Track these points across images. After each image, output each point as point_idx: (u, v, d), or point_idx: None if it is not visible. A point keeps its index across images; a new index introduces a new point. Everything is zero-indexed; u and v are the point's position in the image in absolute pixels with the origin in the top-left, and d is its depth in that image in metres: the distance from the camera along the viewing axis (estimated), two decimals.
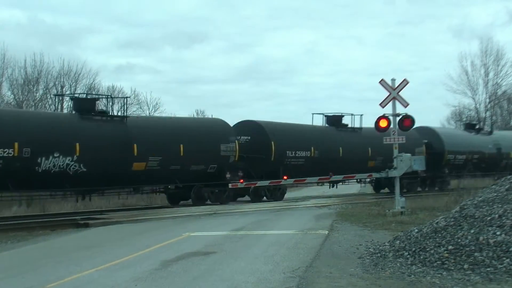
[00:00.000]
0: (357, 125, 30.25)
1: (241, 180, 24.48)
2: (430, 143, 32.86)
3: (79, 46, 69.13)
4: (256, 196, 25.98)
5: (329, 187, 31.05)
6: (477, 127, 38.55)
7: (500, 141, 37.02)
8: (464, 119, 57.60)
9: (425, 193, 28.34)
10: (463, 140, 35.33)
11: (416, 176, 29.95)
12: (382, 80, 18.99)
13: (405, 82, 18.82)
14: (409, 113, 19.17)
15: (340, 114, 30.32)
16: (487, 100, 55.17)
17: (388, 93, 18.83)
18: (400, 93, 18.80)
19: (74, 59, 54.05)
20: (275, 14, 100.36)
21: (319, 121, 30.34)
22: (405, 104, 18.89)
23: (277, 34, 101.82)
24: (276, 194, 26.63)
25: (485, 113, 55.68)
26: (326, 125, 29.88)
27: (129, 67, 75.83)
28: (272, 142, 26.02)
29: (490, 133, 38.07)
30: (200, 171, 23.91)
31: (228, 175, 24.54)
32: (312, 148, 27.63)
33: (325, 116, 30.03)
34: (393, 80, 18.95)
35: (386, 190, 31.66)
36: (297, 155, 27.10)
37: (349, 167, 26.71)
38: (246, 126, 26.90)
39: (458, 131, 39.85)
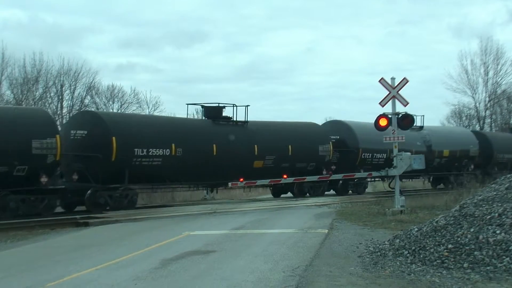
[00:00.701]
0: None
1: (241, 179, 24.52)
2: (342, 139, 29.29)
3: (80, 45, 69.48)
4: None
5: None
6: None
7: (432, 138, 32.86)
8: (464, 118, 57.80)
9: (424, 192, 28.38)
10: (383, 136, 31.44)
11: (324, 180, 27.33)
12: (382, 79, 18.99)
13: (404, 81, 18.82)
14: (408, 112, 19.20)
15: (219, 105, 25.85)
16: (487, 99, 55.24)
17: (387, 92, 18.83)
18: (399, 92, 18.80)
19: (74, 58, 54.14)
20: (275, 14, 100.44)
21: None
22: (405, 103, 18.89)
23: (277, 33, 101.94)
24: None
25: (485, 112, 55.77)
26: (204, 118, 26.19)
27: (130, 66, 75.98)
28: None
29: (421, 128, 32.81)
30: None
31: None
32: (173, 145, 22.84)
33: (203, 107, 26.21)
34: (392, 79, 18.95)
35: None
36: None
37: (227, 170, 24.42)
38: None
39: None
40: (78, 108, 39.86)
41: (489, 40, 55.70)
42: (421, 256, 9.18)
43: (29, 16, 73.58)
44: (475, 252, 8.67)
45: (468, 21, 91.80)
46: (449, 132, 37.73)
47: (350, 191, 29.31)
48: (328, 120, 34.13)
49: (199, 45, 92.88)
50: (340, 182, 28.28)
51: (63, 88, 40.52)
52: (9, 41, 61.79)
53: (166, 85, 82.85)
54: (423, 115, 33.47)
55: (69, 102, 40.99)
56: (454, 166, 34.24)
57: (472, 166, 34.93)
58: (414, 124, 30.67)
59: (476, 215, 9.57)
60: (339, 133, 29.39)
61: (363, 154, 29.09)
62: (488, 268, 8.30)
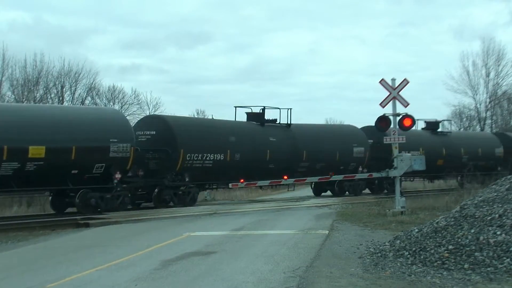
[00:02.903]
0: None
1: (242, 180, 24.48)
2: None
3: (83, 46, 69.62)
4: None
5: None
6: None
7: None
8: (464, 118, 57.86)
9: (425, 193, 28.35)
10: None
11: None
12: (382, 79, 18.99)
13: (405, 82, 18.81)
14: (409, 113, 19.20)
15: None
16: (488, 100, 55.22)
17: (388, 93, 18.83)
18: (400, 93, 18.79)
19: (75, 59, 53.91)
20: (276, 15, 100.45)
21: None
22: (405, 104, 18.88)
23: (278, 34, 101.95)
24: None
25: (486, 113, 55.75)
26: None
27: (132, 68, 76.05)
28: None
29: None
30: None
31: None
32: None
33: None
34: (393, 80, 18.94)
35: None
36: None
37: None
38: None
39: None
40: None
41: (492, 41, 55.71)
42: (422, 257, 9.17)
43: (33, 17, 73.91)
44: (476, 253, 8.67)
45: (470, 23, 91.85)
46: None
47: (346, 192, 29.50)
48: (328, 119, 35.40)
49: (201, 46, 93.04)
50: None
51: (64, 89, 40.56)
52: (14, 43, 62.14)
53: (167, 86, 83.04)
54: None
55: (70, 103, 41.00)
56: None
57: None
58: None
59: (476, 216, 9.57)
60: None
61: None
62: (489, 269, 8.29)
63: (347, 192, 29.29)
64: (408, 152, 23.31)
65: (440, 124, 35.65)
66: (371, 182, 29.80)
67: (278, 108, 27.95)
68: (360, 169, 29.18)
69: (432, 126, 34.85)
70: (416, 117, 19.88)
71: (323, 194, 30.49)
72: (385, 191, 29.99)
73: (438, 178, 36.18)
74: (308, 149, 27.84)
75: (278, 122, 27.79)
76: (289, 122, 27.71)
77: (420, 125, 34.44)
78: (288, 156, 27.04)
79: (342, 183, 28.79)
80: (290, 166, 27.03)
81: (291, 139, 27.55)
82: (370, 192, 30.79)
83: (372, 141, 29.93)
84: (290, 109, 27.81)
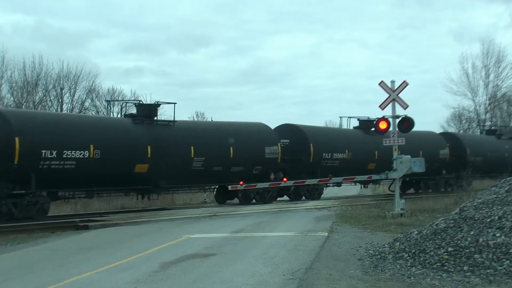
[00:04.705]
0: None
1: (241, 182, 24.49)
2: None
3: (85, 49, 69.63)
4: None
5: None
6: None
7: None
8: (464, 120, 57.81)
9: (425, 195, 28.32)
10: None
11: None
12: (382, 82, 18.98)
13: (404, 84, 18.81)
14: (408, 115, 19.19)
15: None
16: (487, 102, 55.26)
17: (387, 95, 18.82)
18: (399, 95, 18.79)
19: (74, 61, 54.23)
20: (276, 18, 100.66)
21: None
22: (405, 106, 18.87)
23: (278, 37, 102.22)
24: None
25: (485, 114, 55.78)
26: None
27: (132, 71, 76.20)
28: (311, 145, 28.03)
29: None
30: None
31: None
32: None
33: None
34: (392, 82, 18.94)
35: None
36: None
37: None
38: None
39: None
40: (78, 111, 39.88)
41: (491, 43, 55.87)
42: (421, 259, 9.17)
43: (36, 21, 74.06)
44: (475, 255, 8.67)
45: (470, 26, 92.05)
46: None
47: (303, 197, 28.14)
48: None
49: (201, 49, 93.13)
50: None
51: (63, 91, 40.56)
52: (17, 46, 62.14)
53: (167, 89, 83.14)
54: None
55: (69, 105, 41.03)
56: None
57: None
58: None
59: (476, 218, 9.57)
60: None
61: None
62: (488, 271, 8.29)
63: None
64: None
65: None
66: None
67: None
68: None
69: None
70: (414, 119, 19.37)
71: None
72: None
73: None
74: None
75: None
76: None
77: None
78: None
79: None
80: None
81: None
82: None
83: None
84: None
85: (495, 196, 10.34)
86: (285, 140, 27.67)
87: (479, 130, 54.09)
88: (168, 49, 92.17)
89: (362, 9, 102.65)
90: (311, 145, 27.72)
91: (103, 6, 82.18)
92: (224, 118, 32.28)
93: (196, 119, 47.92)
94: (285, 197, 28.32)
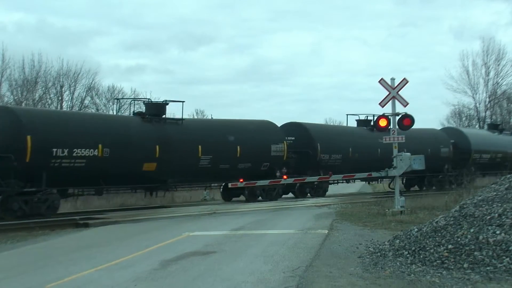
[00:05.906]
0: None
1: (241, 180, 24.53)
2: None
3: (87, 47, 69.64)
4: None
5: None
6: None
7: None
8: (464, 118, 57.74)
9: (424, 193, 28.26)
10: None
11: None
12: (381, 79, 18.96)
13: (404, 82, 18.79)
14: (408, 113, 19.17)
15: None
16: (487, 99, 55.24)
17: (387, 93, 18.80)
18: (399, 93, 18.77)
19: (73, 59, 54.26)
20: (276, 16, 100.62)
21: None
22: (405, 104, 18.85)
23: (277, 35, 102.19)
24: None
25: (485, 112, 55.81)
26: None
27: (134, 69, 76.12)
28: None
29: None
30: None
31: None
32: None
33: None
34: (392, 79, 18.92)
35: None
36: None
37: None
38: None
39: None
40: (78, 108, 39.87)
41: (492, 40, 55.83)
42: (421, 256, 9.17)
43: (38, 19, 74.11)
44: (475, 253, 8.66)
45: (470, 24, 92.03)
46: None
47: (308, 194, 28.26)
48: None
49: (201, 48, 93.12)
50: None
51: (63, 89, 40.54)
52: (19, 44, 62.19)
53: (167, 87, 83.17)
54: None
55: (69, 103, 41.02)
56: None
57: None
58: None
59: (476, 216, 9.56)
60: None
61: None
62: (488, 268, 8.29)
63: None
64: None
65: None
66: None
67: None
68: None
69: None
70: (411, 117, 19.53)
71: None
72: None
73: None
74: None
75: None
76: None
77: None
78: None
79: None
80: None
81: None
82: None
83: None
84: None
85: (495, 193, 10.33)
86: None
87: (477, 126, 54.12)
88: (169, 47, 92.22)
89: (362, 7, 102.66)
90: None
91: (104, 5, 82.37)
92: (224, 116, 32.53)
93: (195, 117, 47.97)
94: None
